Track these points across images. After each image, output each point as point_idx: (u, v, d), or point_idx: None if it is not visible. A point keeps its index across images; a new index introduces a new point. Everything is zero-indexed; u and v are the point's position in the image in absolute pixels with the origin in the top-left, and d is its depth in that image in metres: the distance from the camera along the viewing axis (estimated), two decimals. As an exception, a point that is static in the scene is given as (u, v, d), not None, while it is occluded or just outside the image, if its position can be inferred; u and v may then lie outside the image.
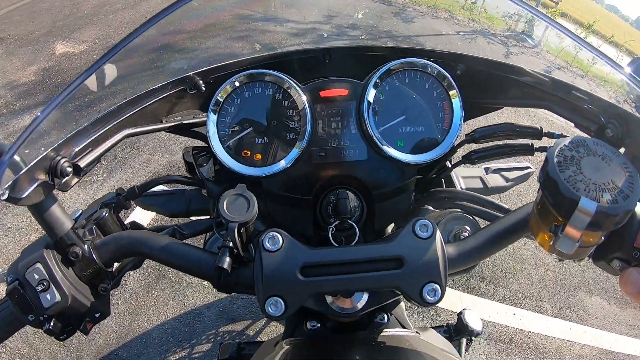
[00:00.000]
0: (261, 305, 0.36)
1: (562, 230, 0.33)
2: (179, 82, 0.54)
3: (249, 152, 0.52)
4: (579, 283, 2.23)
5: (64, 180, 0.40)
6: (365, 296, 0.43)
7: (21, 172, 0.36)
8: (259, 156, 0.52)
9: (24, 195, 0.36)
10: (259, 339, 1.47)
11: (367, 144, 0.52)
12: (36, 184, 0.38)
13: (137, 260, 0.47)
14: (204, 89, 0.54)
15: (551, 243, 0.35)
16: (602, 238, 0.35)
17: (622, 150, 0.43)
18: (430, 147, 0.52)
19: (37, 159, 0.38)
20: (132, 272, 1.59)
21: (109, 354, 1.36)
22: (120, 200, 0.49)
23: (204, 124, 0.53)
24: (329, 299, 0.43)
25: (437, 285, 0.36)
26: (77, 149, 0.42)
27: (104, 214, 0.45)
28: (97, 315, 0.41)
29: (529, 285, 2.09)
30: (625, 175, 0.32)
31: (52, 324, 0.37)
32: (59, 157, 0.39)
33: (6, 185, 0.35)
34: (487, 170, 0.67)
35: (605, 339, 2.00)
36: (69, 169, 0.40)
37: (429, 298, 0.36)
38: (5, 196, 0.35)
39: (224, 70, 0.56)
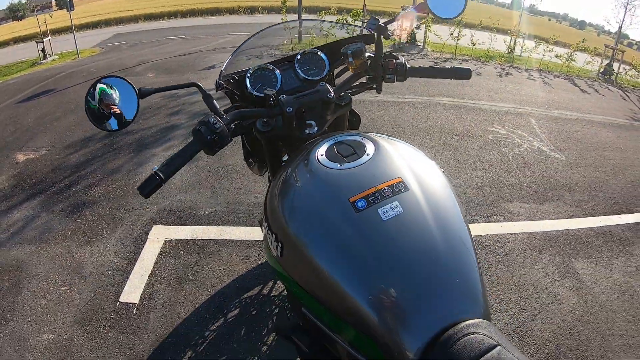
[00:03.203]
0: (283, 108, 0.95)
1: (347, 60, 1.02)
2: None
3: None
4: (498, 197, 2.88)
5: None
6: (315, 128, 1.03)
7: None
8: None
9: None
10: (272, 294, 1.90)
11: (299, 79, 1.18)
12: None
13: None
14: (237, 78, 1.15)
15: (353, 67, 1.04)
16: (368, 62, 1.05)
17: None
18: (322, 72, 1.19)
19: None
20: (160, 287, 1.94)
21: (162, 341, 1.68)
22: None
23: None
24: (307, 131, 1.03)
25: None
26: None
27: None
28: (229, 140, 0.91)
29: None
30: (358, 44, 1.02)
31: (216, 138, 0.86)
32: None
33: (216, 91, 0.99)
34: None
35: (533, 226, 2.57)
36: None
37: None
38: (223, 89, 1.00)
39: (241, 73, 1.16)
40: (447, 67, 1.11)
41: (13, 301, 1.86)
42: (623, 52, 8.32)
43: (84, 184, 2.89)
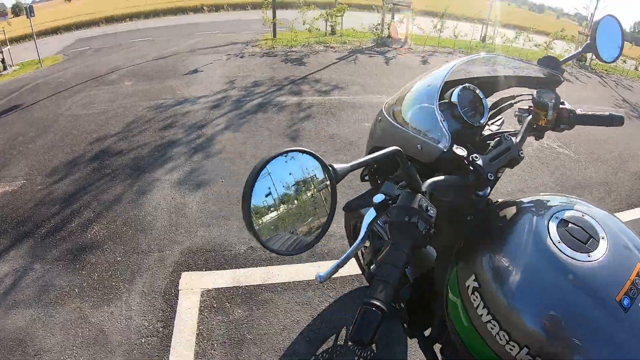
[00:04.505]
0: (483, 174, 0.81)
1: (548, 114, 0.91)
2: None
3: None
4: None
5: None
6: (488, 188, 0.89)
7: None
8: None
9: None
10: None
11: (459, 123, 0.96)
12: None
13: None
14: None
15: (547, 120, 0.94)
16: (555, 114, 0.95)
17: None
18: (481, 116, 0.97)
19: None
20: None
21: None
22: None
23: None
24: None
25: None
26: None
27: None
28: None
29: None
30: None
31: (432, 231, 0.62)
32: None
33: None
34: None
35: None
36: None
37: None
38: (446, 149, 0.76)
39: None
40: (605, 114, 1.07)
41: (25, 396, 1.43)
42: (595, 37, 8.50)
43: (79, 222, 2.43)
